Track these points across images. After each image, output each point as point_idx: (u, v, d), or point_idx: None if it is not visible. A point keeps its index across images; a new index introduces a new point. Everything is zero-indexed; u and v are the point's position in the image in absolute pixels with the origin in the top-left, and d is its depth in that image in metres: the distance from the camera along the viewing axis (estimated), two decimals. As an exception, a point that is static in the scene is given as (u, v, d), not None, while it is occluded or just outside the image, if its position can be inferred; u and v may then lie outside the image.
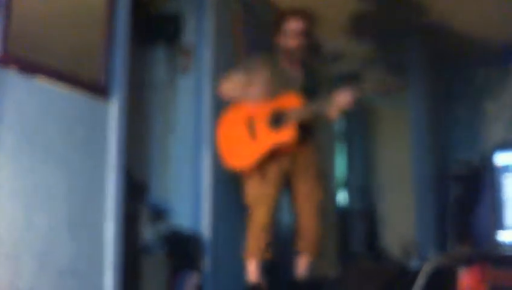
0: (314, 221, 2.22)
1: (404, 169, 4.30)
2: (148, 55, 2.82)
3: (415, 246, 1.74)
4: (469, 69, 4.53)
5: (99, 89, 1.84)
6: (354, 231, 4.84)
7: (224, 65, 2.74)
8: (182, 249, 2.42)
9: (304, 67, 2.32)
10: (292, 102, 2.17)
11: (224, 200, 2.64)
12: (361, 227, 4.75)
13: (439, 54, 4.40)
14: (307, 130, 2.22)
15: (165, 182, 2.72)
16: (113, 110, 1.90)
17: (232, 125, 2.29)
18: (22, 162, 1.55)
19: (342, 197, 5.07)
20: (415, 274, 1.37)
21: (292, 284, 2.32)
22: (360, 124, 5.26)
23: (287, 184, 2.31)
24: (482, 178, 3.55)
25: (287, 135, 2.13)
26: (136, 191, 2.55)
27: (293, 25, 2.23)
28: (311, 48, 2.38)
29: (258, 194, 2.19)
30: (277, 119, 2.17)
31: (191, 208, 2.59)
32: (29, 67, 1.59)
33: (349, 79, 2.17)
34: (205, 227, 2.51)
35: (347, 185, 5.16)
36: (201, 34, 2.71)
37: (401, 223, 4.34)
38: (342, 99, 2.05)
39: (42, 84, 1.64)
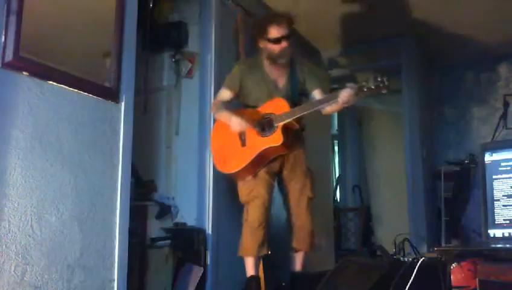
0: (305, 218, 2.19)
1: (397, 168, 4.29)
2: (154, 61, 2.82)
3: (408, 242, 1.71)
4: (459, 73, 4.51)
5: (108, 93, 1.83)
6: (350, 228, 4.82)
7: (226, 70, 2.73)
8: (186, 244, 2.41)
9: (288, 71, 2.25)
10: (279, 107, 2.12)
11: (227, 197, 2.63)
12: (357, 224, 4.73)
13: (430, 57, 4.38)
14: (295, 133, 2.17)
15: (171, 181, 2.72)
16: (121, 112, 1.89)
17: (222, 134, 2.24)
18: (34, 162, 1.54)
19: (337, 195, 5.06)
20: (408, 269, 1.35)
21: (289, 280, 2.29)
22: (354, 125, 5.25)
23: (279, 182, 2.29)
24: (472, 176, 3.53)
25: (275, 139, 2.08)
26: (143, 189, 2.54)
27: (275, 32, 2.14)
28: (294, 51, 2.28)
29: (251, 194, 2.16)
30: (265, 125, 2.13)
31: (195, 205, 2.58)
32: (41, 71, 1.58)
33: (344, 82, 2.11)
34: (208, 223, 2.50)
35: (342, 183, 5.14)
36: (204, 40, 2.70)
37: (395, 219, 4.32)
38: (345, 96, 1.98)
39: (53, 88, 1.63)
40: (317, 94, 2.21)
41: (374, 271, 1.51)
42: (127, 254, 1.84)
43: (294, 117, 2.08)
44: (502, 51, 4.12)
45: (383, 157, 4.98)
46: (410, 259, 1.49)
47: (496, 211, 1.49)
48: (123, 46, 1.89)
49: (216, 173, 2.53)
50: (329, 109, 2.14)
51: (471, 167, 3.66)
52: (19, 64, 1.50)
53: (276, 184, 2.30)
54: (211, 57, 2.66)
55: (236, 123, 2.11)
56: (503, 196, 1.49)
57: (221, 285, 2.48)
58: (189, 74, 2.74)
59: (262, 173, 2.17)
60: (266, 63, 2.24)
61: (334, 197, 4.69)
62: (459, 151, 4.26)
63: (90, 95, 1.76)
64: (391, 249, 1.73)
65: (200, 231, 2.45)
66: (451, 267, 1.29)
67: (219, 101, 2.29)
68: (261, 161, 2.14)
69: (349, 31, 3.73)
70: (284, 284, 2.48)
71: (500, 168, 1.52)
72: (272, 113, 2.12)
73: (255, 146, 2.11)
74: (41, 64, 1.58)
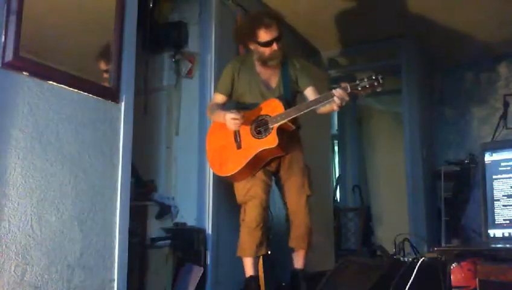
0: (303, 216, 2.17)
1: (397, 168, 4.28)
2: (154, 61, 2.82)
3: (408, 242, 1.71)
4: (459, 73, 4.51)
5: (108, 93, 1.83)
6: (350, 228, 4.82)
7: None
8: (186, 244, 2.41)
9: (280, 70, 2.22)
10: (274, 108, 2.10)
11: (227, 197, 2.63)
12: (357, 224, 4.72)
13: (430, 57, 4.38)
14: (290, 133, 2.16)
15: (171, 181, 2.72)
16: (121, 112, 1.89)
17: (217, 137, 2.23)
18: (34, 162, 1.54)
19: (337, 195, 5.05)
20: (408, 269, 1.35)
21: (289, 279, 2.29)
22: (354, 124, 5.25)
23: (277, 182, 2.28)
24: (472, 176, 3.53)
25: (270, 141, 2.06)
26: (143, 189, 2.54)
27: (265, 35, 2.11)
28: (285, 50, 2.23)
29: (248, 194, 2.15)
30: (260, 127, 2.11)
31: (195, 205, 2.58)
32: (41, 71, 1.58)
33: (342, 81, 2.08)
34: (208, 223, 2.50)
35: (342, 183, 5.14)
36: (204, 40, 2.70)
37: (395, 219, 4.32)
38: (339, 95, 1.96)
39: (53, 88, 1.63)
40: (309, 92, 2.18)
41: (374, 271, 1.51)
42: (127, 254, 1.84)
43: (289, 118, 2.06)
44: (502, 51, 4.12)
45: (383, 157, 4.98)
46: (410, 259, 1.49)
47: (496, 211, 1.49)
48: (123, 46, 1.89)
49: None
50: (324, 109, 2.11)
51: (471, 167, 3.66)
52: (19, 64, 1.50)
53: (274, 184, 2.30)
54: (211, 57, 2.66)
55: (230, 117, 2.06)
56: (503, 196, 1.49)
57: (221, 285, 2.48)
58: (189, 74, 2.74)
59: (259, 173, 2.16)
60: (257, 64, 2.23)
61: (334, 197, 4.69)
62: (459, 151, 4.26)
63: (90, 95, 1.76)
64: (391, 249, 1.73)
65: (200, 231, 2.45)
66: (451, 267, 1.29)
67: (213, 104, 2.29)
68: (257, 163, 2.13)
69: (349, 31, 3.73)
70: (284, 284, 2.48)
71: (500, 168, 1.52)
72: (266, 115, 2.10)
73: (251, 148, 2.10)
74: (41, 64, 1.58)
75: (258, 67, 2.23)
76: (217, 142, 2.23)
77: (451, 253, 1.36)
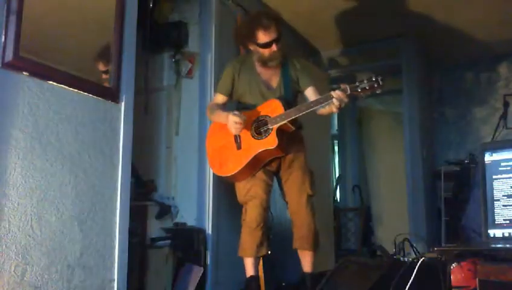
0: (305, 215, 2.15)
1: (397, 168, 4.29)
2: (154, 61, 2.82)
3: (408, 242, 1.71)
4: (459, 73, 4.51)
5: (108, 93, 1.83)
6: (350, 228, 4.82)
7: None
8: (186, 244, 2.41)
9: (281, 70, 2.22)
10: (274, 108, 2.09)
11: (227, 197, 2.63)
12: (357, 224, 4.72)
13: (430, 57, 4.38)
14: (291, 133, 2.15)
15: (171, 181, 2.72)
16: (121, 112, 1.89)
17: (217, 137, 2.22)
18: (34, 162, 1.54)
19: (337, 195, 5.05)
20: (408, 269, 1.35)
21: (298, 281, 2.27)
22: (354, 125, 5.25)
23: (279, 182, 2.28)
24: (472, 176, 3.53)
25: (270, 142, 2.06)
26: (143, 189, 2.55)
27: (264, 37, 2.10)
28: (285, 49, 2.22)
29: (248, 194, 2.15)
30: (260, 128, 2.11)
31: (195, 205, 2.58)
32: (41, 71, 1.58)
33: (344, 82, 2.07)
34: (208, 223, 2.50)
35: (342, 183, 5.14)
36: (204, 40, 2.70)
37: (395, 219, 4.32)
38: (338, 96, 1.95)
39: (53, 88, 1.63)
40: (310, 92, 2.18)
41: (374, 271, 1.51)
42: (127, 254, 1.84)
43: (289, 119, 2.05)
44: (502, 51, 4.12)
45: (383, 157, 4.98)
46: (410, 259, 1.49)
47: (496, 211, 1.49)
48: (123, 46, 1.89)
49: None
50: (324, 110, 2.10)
51: (471, 167, 3.66)
52: (19, 64, 1.50)
53: (276, 184, 2.30)
54: (211, 57, 2.66)
55: (234, 120, 2.06)
56: (503, 196, 1.49)
57: (221, 285, 2.48)
58: (189, 74, 2.74)
59: (259, 173, 2.16)
60: (258, 64, 2.22)
61: (334, 197, 4.69)
62: (459, 151, 4.27)
63: (90, 95, 1.76)
64: (391, 249, 1.73)
65: (200, 231, 2.45)
66: (451, 267, 1.29)
67: (213, 104, 2.28)
68: (257, 163, 2.13)
69: (349, 31, 3.73)
70: (284, 284, 2.47)
71: (500, 168, 1.52)
72: (267, 115, 2.10)
73: (251, 149, 2.10)
74: (41, 64, 1.58)
75: (259, 68, 2.23)
76: (217, 143, 2.22)
77: (451, 253, 1.36)
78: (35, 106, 1.56)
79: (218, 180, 2.56)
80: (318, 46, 4.06)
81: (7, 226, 1.44)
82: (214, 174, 2.54)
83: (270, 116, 2.09)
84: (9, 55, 1.46)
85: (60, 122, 1.64)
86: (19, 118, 1.51)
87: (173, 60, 2.78)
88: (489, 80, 4.37)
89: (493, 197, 1.50)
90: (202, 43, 2.71)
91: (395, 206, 4.42)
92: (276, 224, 2.58)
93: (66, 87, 1.67)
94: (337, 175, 5.16)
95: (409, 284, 1.31)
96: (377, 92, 1.94)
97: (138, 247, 2.22)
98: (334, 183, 4.89)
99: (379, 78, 1.91)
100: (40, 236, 1.53)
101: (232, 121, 2.07)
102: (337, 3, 3.28)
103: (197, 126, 2.65)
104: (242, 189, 2.18)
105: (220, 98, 2.27)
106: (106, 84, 1.84)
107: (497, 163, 1.53)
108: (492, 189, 1.51)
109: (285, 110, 2.06)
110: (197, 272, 2.33)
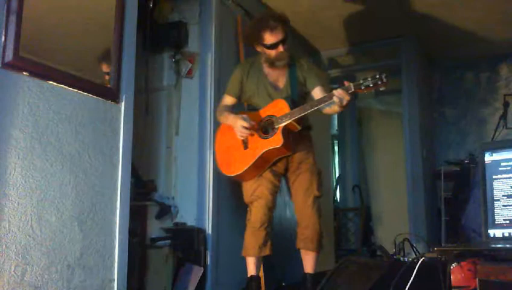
0: (310, 216, 2.16)
1: (397, 168, 4.29)
2: (154, 61, 2.82)
3: (408, 242, 1.71)
4: (459, 73, 4.51)
5: (108, 93, 1.83)
6: (350, 228, 4.82)
7: (226, 69, 2.74)
8: (186, 244, 2.41)
9: (288, 70, 2.23)
10: (280, 108, 2.11)
11: (226, 197, 2.63)
12: (357, 224, 4.73)
13: (430, 57, 4.38)
14: (298, 133, 2.16)
15: (171, 181, 2.72)
16: (121, 112, 1.89)
17: (226, 137, 2.24)
18: (34, 162, 1.54)
19: (337, 195, 5.06)
20: (408, 269, 1.35)
21: (301, 282, 2.26)
22: (354, 125, 5.25)
23: (287, 184, 2.29)
24: (472, 176, 3.53)
25: (275, 141, 2.08)
26: (143, 189, 2.54)
27: (270, 38, 2.13)
28: (292, 51, 2.25)
29: (254, 194, 2.16)
30: (267, 127, 2.13)
31: (195, 205, 2.58)
32: (41, 71, 1.58)
33: (342, 81, 2.08)
34: (208, 223, 2.50)
35: (342, 183, 5.14)
36: (204, 40, 2.70)
37: (395, 219, 4.32)
38: (340, 94, 1.96)
39: (53, 88, 1.63)
40: (318, 92, 2.19)
41: (374, 271, 1.51)
42: (127, 254, 1.84)
43: (294, 118, 2.07)
44: (502, 51, 4.12)
45: (383, 157, 4.98)
46: (410, 259, 1.49)
47: (496, 211, 1.49)
48: (123, 46, 1.89)
49: (216, 173, 2.53)
50: (330, 110, 2.12)
51: (471, 167, 3.66)
52: (19, 64, 1.50)
53: (284, 185, 2.30)
54: (211, 57, 2.66)
55: (241, 125, 2.10)
56: (503, 196, 1.49)
57: (221, 285, 2.48)
58: (189, 74, 2.74)
59: (266, 173, 2.17)
60: (265, 65, 2.24)
61: (334, 197, 4.69)
62: (459, 151, 4.27)
63: (90, 95, 1.76)
64: (391, 249, 1.73)
65: (200, 231, 2.45)
66: (451, 267, 1.28)
67: (222, 105, 2.31)
68: (263, 163, 2.14)
69: (349, 31, 3.73)
70: (284, 284, 2.47)
71: (500, 168, 1.52)
72: (273, 115, 2.12)
73: (257, 148, 2.12)
74: (41, 64, 1.58)
75: (266, 69, 2.25)
76: (226, 143, 2.25)
77: (451, 253, 1.36)
78: (35, 106, 1.56)
79: (218, 180, 2.56)
80: (318, 46, 4.06)
81: (7, 226, 1.44)
82: (214, 174, 2.54)
83: (276, 116, 2.11)
84: (9, 55, 1.46)
85: (60, 122, 1.64)
86: (19, 118, 1.51)
87: (173, 60, 2.78)
88: (489, 80, 4.37)
89: (493, 197, 1.50)
90: (202, 43, 2.71)
91: (395, 206, 4.43)
92: (276, 224, 2.58)
93: (66, 87, 1.67)
94: (337, 175, 5.16)
95: (409, 284, 1.31)
96: (381, 89, 1.94)
97: (138, 247, 2.22)
98: (334, 183, 4.89)
99: (383, 76, 1.92)
100: (40, 236, 1.53)
101: (240, 125, 2.10)
102: (337, 3, 3.29)
103: (197, 126, 2.65)
104: (248, 189, 2.19)
105: (229, 100, 2.30)
106: (107, 84, 1.84)
107: (497, 163, 1.53)
108: (492, 189, 1.51)
109: (290, 109, 2.08)
110: (197, 272, 2.33)
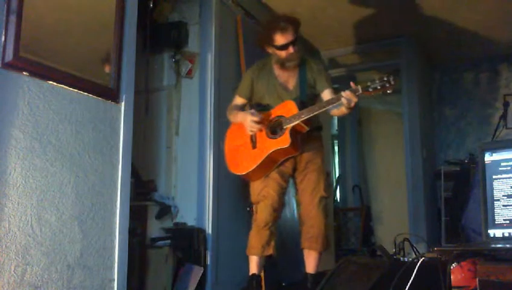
0: (315, 216, 2.17)
1: (397, 167, 4.29)
2: (155, 61, 2.82)
3: (408, 242, 1.71)
4: (459, 73, 4.51)
5: (108, 93, 1.83)
6: (350, 228, 4.82)
7: (226, 69, 2.74)
8: (186, 244, 2.41)
9: (298, 72, 2.25)
10: (289, 109, 2.13)
11: (226, 198, 2.63)
12: (357, 224, 4.72)
13: (430, 57, 4.38)
14: (307, 134, 2.17)
15: (171, 181, 2.72)
16: (121, 112, 1.89)
17: (235, 137, 2.27)
18: (34, 162, 1.54)
19: (337, 195, 5.06)
20: (408, 269, 1.35)
21: (301, 281, 2.27)
22: (354, 125, 5.25)
23: (294, 184, 2.29)
24: (472, 176, 3.53)
25: (283, 141, 2.10)
26: (143, 189, 2.54)
27: (281, 39, 2.15)
28: (303, 52, 2.29)
29: (261, 193, 2.17)
30: (276, 127, 2.15)
31: (195, 205, 2.58)
32: (41, 71, 1.58)
33: (344, 82, 2.10)
34: (208, 223, 2.50)
35: (342, 183, 5.14)
36: (204, 40, 2.71)
37: (395, 219, 4.32)
38: (346, 96, 1.97)
39: (53, 88, 1.63)
40: (326, 94, 2.21)
41: (374, 271, 1.51)
42: (127, 254, 1.84)
43: (302, 119, 2.09)
44: (502, 51, 4.12)
45: (383, 157, 4.98)
46: (410, 259, 1.49)
47: (496, 211, 1.49)
48: (123, 46, 1.89)
49: (216, 173, 2.54)
50: (337, 111, 2.15)
51: (471, 167, 3.66)
52: (19, 64, 1.49)
53: (291, 185, 2.31)
54: (211, 57, 2.66)
55: (252, 119, 2.12)
56: (503, 196, 1.49)
57: (221, 285, 2.48)
58: (189, 74, 2.75)
59: (273, 173, 2.19)
60: (276, 67, 2.27)
61: (334, 197, 4.69)
62: (459, 151, 4.27)
63: (90, 95, 1.76)
64: (391, 249, 1.73)
65: (200, 231, 2.45)
66: (451, 267, 1.28)
67: (233, 105, 2.34)
68: (271, 162, 2.16)
69: (349, 31, 3.73)
70: (284, 284, 2.47)
71: (500, 168, 1.52)
72: (282, 116, 2.15)
73: (265, 148, 2.14)
74: (41, 64, 1.58)
75: (277, 70, 2.27)
76: (235, 142, 2.27)
77: (451, 253, 1.36)
78: (35, 106, 1.56)
79: (218, 181, 2.57)
80: (318, 46, 4.06)
81: (7, 226, 1.44)
82: (214, 174, 2.54)
83: (284, 117, 2.13)
84: (9, 55, 1.46)
85: (60, 122, 1.64)
86: (19, 118, 1.51)
87: (173, 60, 2.78)
88: (489, 80, 4.37)
89: (493, 197, 1.50)
90: (202, 43, 2.71)
91: (395, 206, 4.43)
92: (277, 224, 2.58)
93: (66, 87, 1.67)
94: (337, 175, 5.16)
95: (409, 284, 1.31)
96: (389, 91, 1.96)
97: (138, 247, 2.22)
98: (334, 183, 4.89)
99: (391, 78, 1.94)
100: (40, 236, 1.53)
101: (250, 119, 2.13)
102: (337, 3, 3.29)
103: (197, 126, 2.65)
104: (255, 189, 2.21)
105: (239, 100, 2.33)
106: (107, 84, 1.83)
107: (497, 163, 1.53)
108: (492, 189, 1.51)
109: (299, 110, 2.10)
110: (197, 272, 2.33)
